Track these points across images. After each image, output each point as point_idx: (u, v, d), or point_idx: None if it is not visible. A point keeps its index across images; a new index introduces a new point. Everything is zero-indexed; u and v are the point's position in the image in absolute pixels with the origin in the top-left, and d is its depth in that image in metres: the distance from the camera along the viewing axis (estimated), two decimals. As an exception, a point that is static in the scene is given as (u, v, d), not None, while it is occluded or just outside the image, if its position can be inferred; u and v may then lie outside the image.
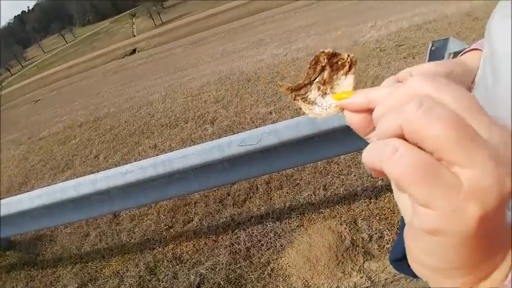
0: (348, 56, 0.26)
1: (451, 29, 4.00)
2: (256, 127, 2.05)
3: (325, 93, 0.26)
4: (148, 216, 2.36)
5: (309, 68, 0.27)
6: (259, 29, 14.85)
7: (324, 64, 0.26)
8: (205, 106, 4.06)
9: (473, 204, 0.15)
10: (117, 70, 18.36)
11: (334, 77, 0.26)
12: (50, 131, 5.84)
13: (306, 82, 0.27)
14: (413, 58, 3.39)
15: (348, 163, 2.08)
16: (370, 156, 0.19)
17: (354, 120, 0.24)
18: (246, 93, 4.02)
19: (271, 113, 3.19)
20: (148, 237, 2.16)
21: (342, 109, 0.24)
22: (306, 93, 0.27)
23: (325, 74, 0.26)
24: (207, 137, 3.18)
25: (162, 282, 1.76)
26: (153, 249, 2.02)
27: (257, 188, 2.17)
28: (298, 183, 2.08)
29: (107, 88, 10.60)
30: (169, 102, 4.85)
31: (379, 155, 0.18)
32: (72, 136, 4.96)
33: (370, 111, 0.23)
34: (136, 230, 2.26)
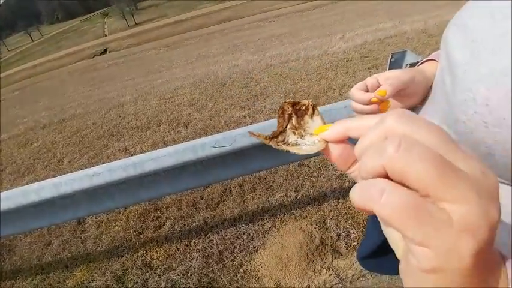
0: (308, 101, 0.29)
1: (409, 43, 4.39)
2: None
3: (302, 135, 0.28)
4: (116, 222, 2.26)
5: (278, 117, 0.29)
6: (234, 35, 14.98)
7: (289, 112, 0.29)
8: (178, 109, 4.00)
9: (467, 240, 0.15)
10: (85, 70, 17.40)
11: (302, 122, 0.29)
12: (10, 134, 5.38)
13: (280, 130, 0.29)
14: (377, 69, 3.66)
15: (318, 166, 2.18)
16: (358, 197, 0.19)
17: (335, 153, 0.25)
18: (220, 97, 4.04)
19: (245, 117, 3.23)
20: (116, 244, 2.07)
21: (326, 142, 0.25)
22: (285, 138, 0.28)
23: (293, 120, 0.29)
24: (181, 140, 3.13)
25: (131, 290, 1.70)
26: (122, 256, 1.94)
27: (231, 190, 2.18)
28: (271, 186, 2.13)
29: (74, 89, 10.01)
30: (141, 104, 4.71)
31: (367, 196, 0.18)
32: (34, 139, 4.61)
33: (348, 142, 0.25)
34: (103, 237, 2.16)
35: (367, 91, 0.46)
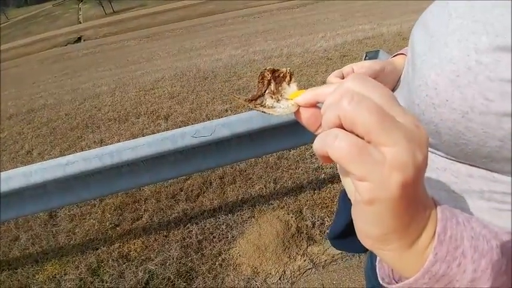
0: (286, 69, 0.31)
1: (385, 45, 4.61)
2: (211, 123, 2.09)
3: (278, 99, 0.30)
4: (91, 215, 2.20)
5: (258, 82, 0.31)
6: (218, 29, 14.76)
7: (269, 78, 0.31)
8: (159, 101, 3.92)
9: (396, 174, 0.19)
10: (57, 59, 16.32)
11: (280, 88, 0.31)
12: (-28, 124, 4.98)
13: (259, 94, 0.31)
14: (355, 67, 3.80)
15: (297, 159, 2.25)
16: (318, 144, 0.22)
17: (305, 115, 0.28)
18: (202, 91, 4.01)
19: (227, 110, 3.24)
20: (91, 237, 2.02)
21: (298, 106, 0.28)
22: (263, 102, 0.31)
23: (272, 86, 0.31)
24: (161, 133, 3.08)
25: (106, 282, 1.67)
26: (97, 249, 1.89)
27: (211, 182, 2.20)
28: (250, 178, 2.16)
29: (45, 78, 9.40)
30: (119, 95, 4.55)
31: (324, 143, 0.21)
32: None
33: (318, 107, 0.27)
34: (76, 230, 2.09)
35: (343, 78, 0.50)
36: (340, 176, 0.25)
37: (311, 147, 2.17)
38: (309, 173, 2.09)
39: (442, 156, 0.38)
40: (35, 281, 1.78)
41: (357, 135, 0.20)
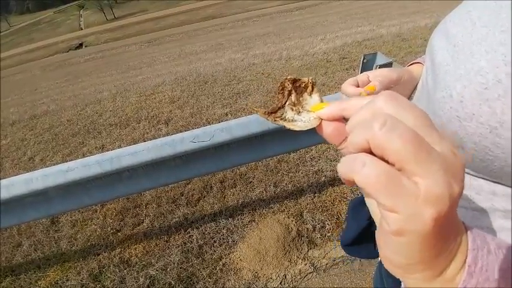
0: (308, 79, 0.29)
1: (384, 47, 4.61)
2: (211, 127, 2.10)
3: (299, 112, 0.29)
4: (93, 220, 2.20)
5: (278, 93, 0.29)
6: (218, 34, 14.88)
7: (289, 89, 0.29)
8: (159, 106, 3.94)
9: (429, 208, 0.18)
10: (59, 65, 16.51)
11: (301, 98, 0.29)
12: (-27, 131, 5.03)
13: (279, 106, 0.29)
14: (354, 70, 3.81)
15: (297, 162, 2.25)
16: (343, 169, 0.21)
17: (328, 130, 0.26)
18: (202, 95, 4.03)
19: (227, 114, 3.25)
20: (93, 242, 2.02)
21: (321, 119, 0.26)
22: (283, 114, 0.29)
23: (293, 97, 0.29)
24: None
25: (108, 288, 1.68)
26: (98, 255, 1.90)
27: (211, 187, 2.20)
28: (251, 181, 2.16)
29: (47, 84, 9.49)
30: (120, 100, 4.58)
31: (351, 168, 0.20)
32: (2, 136, 4.35)
33: (342, 121, 0.26)
34: (78, 236, 2.10)
35: (358, 86, 0.49)
36: (365, 196, 0.23)
37: (311, 150, 2.17)
38: (309, 176, 2.09)
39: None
40: (37, 287, 1.78)
41: (387, 161, 0.19)
